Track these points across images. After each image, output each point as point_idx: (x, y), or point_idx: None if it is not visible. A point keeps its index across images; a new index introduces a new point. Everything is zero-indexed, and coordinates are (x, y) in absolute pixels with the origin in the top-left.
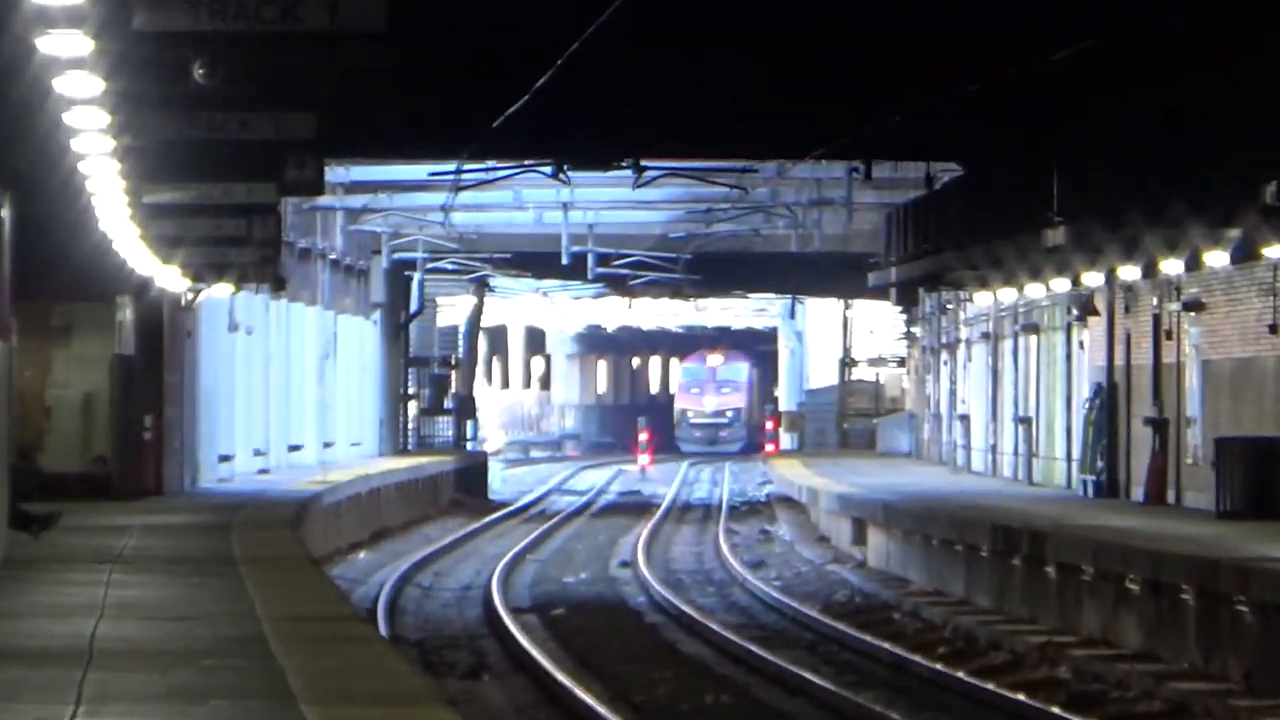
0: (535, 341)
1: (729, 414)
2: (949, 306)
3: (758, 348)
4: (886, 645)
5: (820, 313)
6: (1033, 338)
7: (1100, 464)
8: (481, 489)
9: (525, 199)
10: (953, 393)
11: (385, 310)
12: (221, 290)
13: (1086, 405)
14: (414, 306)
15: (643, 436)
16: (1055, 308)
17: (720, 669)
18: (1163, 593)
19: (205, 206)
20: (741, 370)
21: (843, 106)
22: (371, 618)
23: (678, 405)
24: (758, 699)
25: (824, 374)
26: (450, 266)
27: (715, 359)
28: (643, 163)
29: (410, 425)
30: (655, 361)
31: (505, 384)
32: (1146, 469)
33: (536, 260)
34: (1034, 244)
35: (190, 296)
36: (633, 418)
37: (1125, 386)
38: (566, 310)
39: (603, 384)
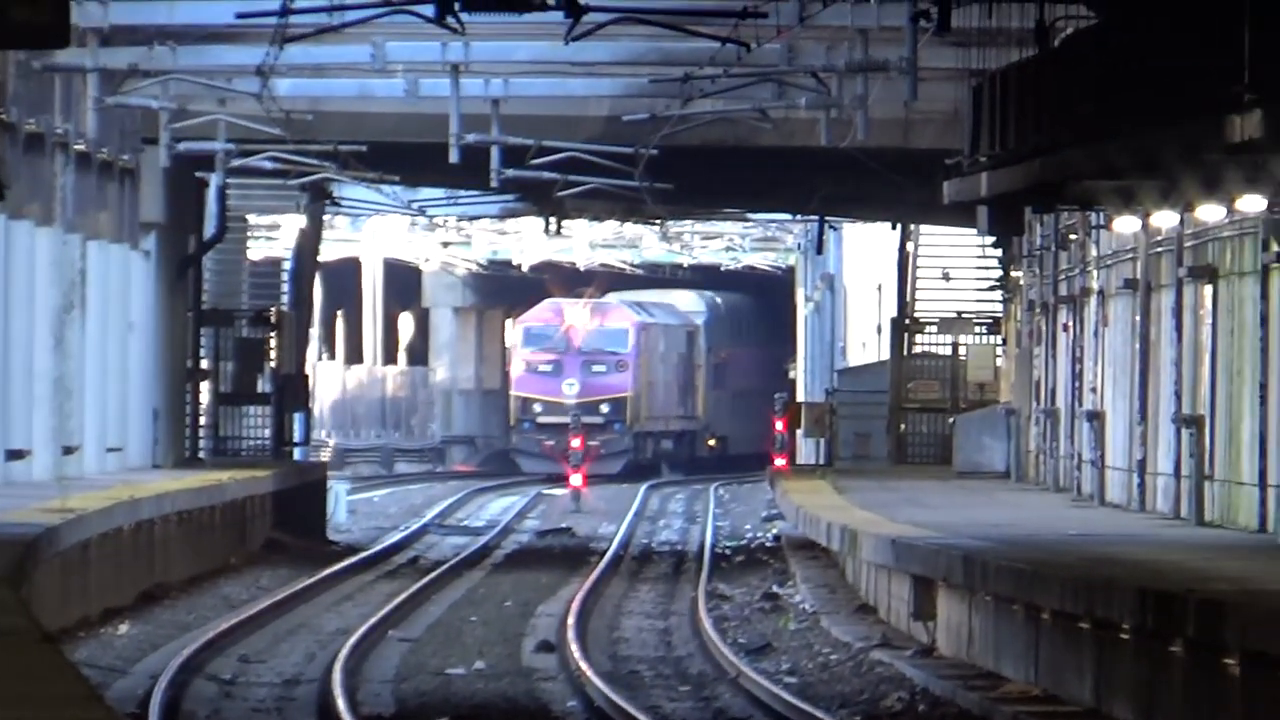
0: (404, 287)
1: (604, 408)
2: (1072, 237)
3: (730, 294)
4: None
5: (864, 245)
6: (1207, 288)
7: None
8: (316, 523)
9: (391, 56)
10: (1076, 376)
11: (164, 235)
12: None
13: None
14: (211, 229)
15: (575, 443)
16: (1244, 240)
17: None
18: None
19: None
20: (624, 333)
21: None
22: None
23: (514, 393)
24: None
25: (868, 344)
26: (270, 165)
27: (577, 314)
28: None
29: (203, 420)
30: None
31: (356, 355)
32: None
33: (408, 156)
34: (1211, 137)
35: None
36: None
37: None
38: (455, 238)
39: None
